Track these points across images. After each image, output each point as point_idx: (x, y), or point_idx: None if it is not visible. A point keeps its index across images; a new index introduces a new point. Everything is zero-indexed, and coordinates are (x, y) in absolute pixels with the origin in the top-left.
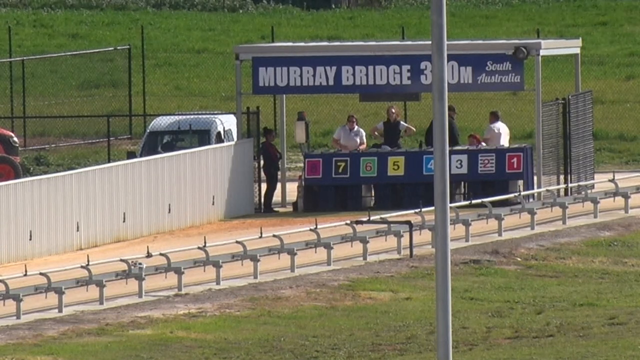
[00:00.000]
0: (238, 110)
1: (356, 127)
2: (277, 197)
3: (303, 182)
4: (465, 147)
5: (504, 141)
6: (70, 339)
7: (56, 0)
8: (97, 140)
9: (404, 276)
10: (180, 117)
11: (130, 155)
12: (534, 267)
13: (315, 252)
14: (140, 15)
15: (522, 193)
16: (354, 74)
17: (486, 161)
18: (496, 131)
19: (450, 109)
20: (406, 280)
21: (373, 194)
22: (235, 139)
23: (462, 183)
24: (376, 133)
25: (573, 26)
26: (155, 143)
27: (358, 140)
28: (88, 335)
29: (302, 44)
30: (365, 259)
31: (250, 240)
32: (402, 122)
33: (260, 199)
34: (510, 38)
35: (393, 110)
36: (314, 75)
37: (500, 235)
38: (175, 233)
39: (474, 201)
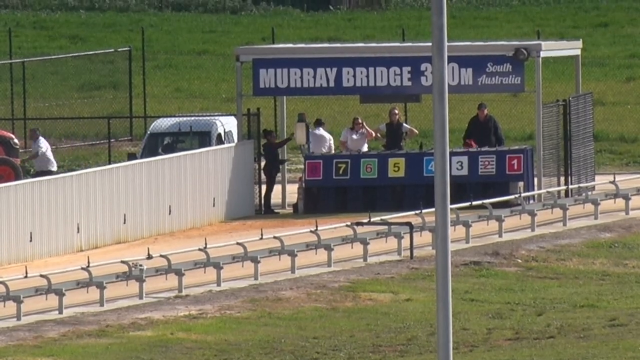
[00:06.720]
0: (238, 112)
1: (362, 129)
2: (277, 198)
3: (303, 184)
4: (466, 149)
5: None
6: (70, 341)
7: (57, 2)
8: (98, 142)
9: (404, 277)
10: (180, 118)
11: (131, 156)
12: (534, 269)
13: (316, 253)
14: (141, 17)
15: (523, 194)
16: (354, 76)
17: (486, 163)
18: (318, 135)
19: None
20: (406, 282)
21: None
22: (235, 140)
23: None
24: (378, 134)
25: (573, 28)
26: (156, 145)
27: (366, 137)
28: (88, 337)
29: (302, 45)
30: (365, 260)
31: (251, 242)
32: (404, 124)
33: (260, 201)
34: (511, 39)
35: (396, 112)
36: (314, 77)
37: (500, 236)
38: (175, 234)
39: (474, 202)
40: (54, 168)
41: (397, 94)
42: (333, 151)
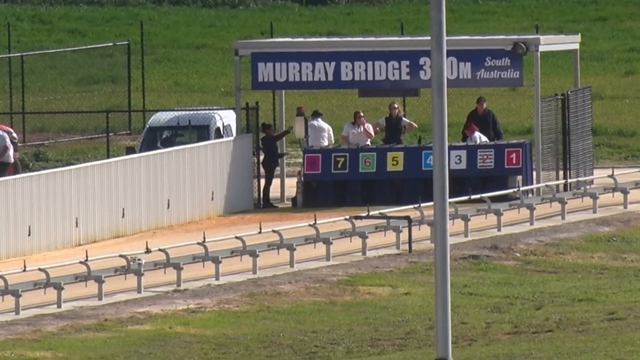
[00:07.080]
0: (237, 106)
1: (364, 124)
2: (276, 192)
3: (302, 178)
4: (464, 143)
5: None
6: (69, 335)
7: None
8: (96, 136)
9: (403, 271)
10: (179, 112)
11: (130, 150)
12: (533, 263)
13: (315, 247)
14: (139, 11)
15: (521, 188)
16: (353, 70)
17: (485, 157)
18: (316, 126)
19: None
20: (405, 276)
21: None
22: (234, 134)
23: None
24: (377, 128)
25: (572, 22)
26: (155, 139)
27: (366, 136)
28: (87, 331)
29: (301, 39)
30: (364, 254)
31: (250, 236)
32: (404, 118)
33: (259, 195)
34: (509, 34)
35: (395, 106)
36: (313, 71)
37: (499, 230)
38: (174, 228)
39: (473, 196)
40: (11, 160)
41: (396, 88)
42: (333, 141)
